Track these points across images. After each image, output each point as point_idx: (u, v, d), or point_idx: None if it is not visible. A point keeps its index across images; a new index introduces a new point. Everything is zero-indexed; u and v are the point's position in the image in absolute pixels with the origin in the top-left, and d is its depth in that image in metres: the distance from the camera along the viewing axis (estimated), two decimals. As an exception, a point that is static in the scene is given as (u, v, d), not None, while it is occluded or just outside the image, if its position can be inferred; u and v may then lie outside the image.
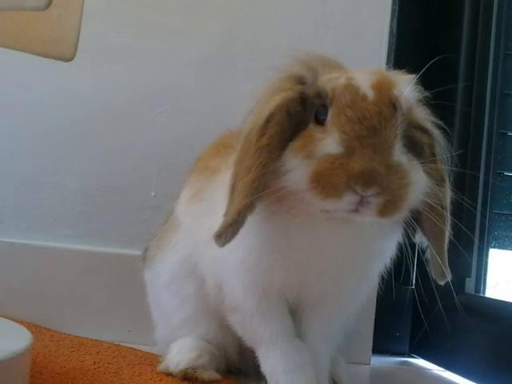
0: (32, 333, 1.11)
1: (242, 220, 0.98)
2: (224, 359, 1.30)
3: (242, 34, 1.76)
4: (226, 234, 0.99)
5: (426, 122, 1.06)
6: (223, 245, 1.00)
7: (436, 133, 1.07)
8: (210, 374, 1.21)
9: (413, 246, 1.09)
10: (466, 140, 1.72)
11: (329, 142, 0.94)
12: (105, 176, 1.72)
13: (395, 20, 1.79)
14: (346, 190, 0.91)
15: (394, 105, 0.97)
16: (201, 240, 1.20)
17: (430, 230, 1.05)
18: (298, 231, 1.03)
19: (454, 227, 1.08)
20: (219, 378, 1.22)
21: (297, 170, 0.96)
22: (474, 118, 1.73)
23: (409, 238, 1.08)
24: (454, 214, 1.07)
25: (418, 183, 0.99)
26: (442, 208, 1.03)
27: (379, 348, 1.77)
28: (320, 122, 0.99)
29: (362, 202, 0.92)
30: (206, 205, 1.22)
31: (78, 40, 1.12)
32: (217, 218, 1.03)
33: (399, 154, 0.96)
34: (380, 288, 1.25)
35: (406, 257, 1.08)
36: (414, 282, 1.74)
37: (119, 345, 1.51)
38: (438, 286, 1.11)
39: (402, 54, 1.80)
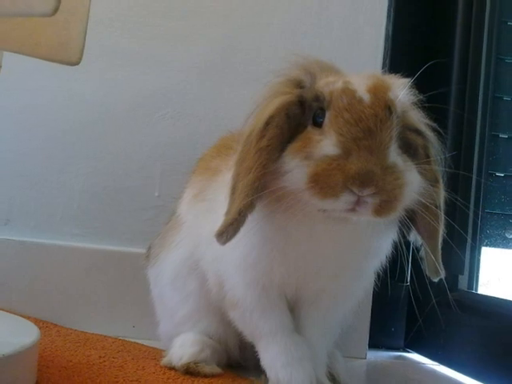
0: (39, 328, 1.11)
1: (242, 219, 0.98)
2: (225, 353, 1.29)
3: (242, 40, 1.76)
4: (227, 233, 0.99)
5: (420, 125, 1.06)
6: (224, 243, 1.00)
7: (430, 135, 1.07)
8: (212, 368, 1.21)
9: (408, 244, 1.09)
10: (459, 142, 1.72)
11: (326, 143, 0.94)
12: (110, 176, 1.72)
13: (390, 26, 1.79)
14: (343, 190, 0.91)
15: (389, 108, 0.97)
16: (203, 238, 1.20)
17: (425, 228, 1.05)
18: (297, 230, 1.03)
19: (448, 226, 1.08)
20: (220, 372, 1.22)
21: (295, 170, 0.96)
22: (467, 120, 1.73)
23: (404, 237, 1.07)
24: (447, 214, 1.07)
25: (413, 184, 0.98)
26: (436, 207, 1.03)
27: (375, 343, 1.76)
28: (318, 124, 0.99)
29: (358, 202, 0.92)
30: (207, 204, 1.22)
31: (83, 45, 1.12)
32: (218, 217, 1.03)
33: (394, 156, 0.96)
34: (376, 285, 1.25)
35: (401, 254, 1.08)
36: (408, 279, 1.73)
37: (124, 340, 1.50)
38: (431, 282, 1.11)
39: (397, 59, 1.79)
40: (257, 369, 1.17)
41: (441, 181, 1.06)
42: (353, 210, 0.93)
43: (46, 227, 1.70)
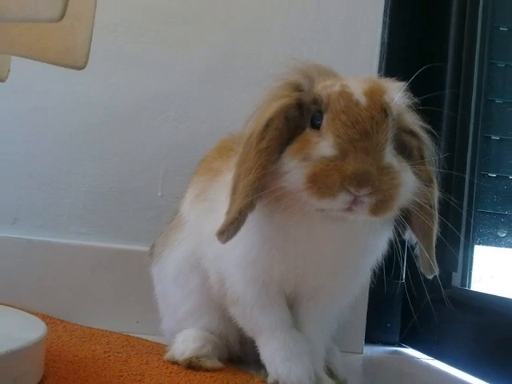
0: (46, 324, 1.11)
1: (243, 218, 0.98)
2: (226, 349, 1.29)
3: (243, 46, 1.76)
4: (228, 232, 0.99)
5: (414, 127, 1.06)
6: (225, 241, 1.00)
7: (424, 136, 1.07)
8: (213, 363, 1.21)
9: (403, 242, 1.09)
10: (452, 143, 1.72)
11: (324, 145, 0.94)
12: (115, 177, 1.72)
13: (386, 31, 1.79)
14: (341, 190, 0.91)
15: (385, 110, 0.97)
16: (204, 237, 1.20)
17: (419, 227, 1.05)
18: (295, 228, 1.03)
19: (442, 225, 1.08)
20: (221, 366, 1.22)
21: (294, 171, 0.96)
22: (460, 122, 1.73)
23: (399, 235, 1.07)
24: (441, 213, 1.07)
25: (408, 184, 0.98)
26: (430, 207, 1.03)
27: (371, 338, 1.76)
28: (316, 126, 0.99)
29: (355, 202, 0.92)
30: (209, 204, 1.22)
31: (89, 50, 1.12)
32: (219, 216, 1.03)
33: (390, 157, 0.96)
34: (372, 282, 1.24)
35: (396, 252, 1.08)
36: (403, 276, 1.73)
37: (128, 335, 1.50)
38: (426, 279, 1.11)
39: (393, 63, 1.79)
40: (257, 363, 1.17)
41: (435, 181, 1.06)
42: (350, 209, 0.93)
43: (53, 226, 1.70)
